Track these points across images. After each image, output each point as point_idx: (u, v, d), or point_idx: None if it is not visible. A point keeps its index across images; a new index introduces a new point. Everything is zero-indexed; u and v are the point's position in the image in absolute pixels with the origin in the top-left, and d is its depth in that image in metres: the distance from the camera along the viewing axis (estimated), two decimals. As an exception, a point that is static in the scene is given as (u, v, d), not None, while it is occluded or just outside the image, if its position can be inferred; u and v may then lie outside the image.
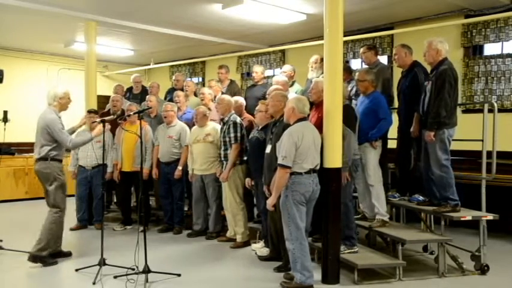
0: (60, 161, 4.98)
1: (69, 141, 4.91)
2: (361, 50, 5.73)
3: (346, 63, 6.66)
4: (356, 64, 8.23)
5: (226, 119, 5.67)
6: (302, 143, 4.03)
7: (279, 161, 4.06)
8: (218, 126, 5.93)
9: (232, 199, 5.61)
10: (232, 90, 6.83)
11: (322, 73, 4.94)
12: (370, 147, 4.87)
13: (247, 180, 5.31)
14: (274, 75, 9.03)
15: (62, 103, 5.00)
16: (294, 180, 4.05)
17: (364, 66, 6.00)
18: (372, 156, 4.89)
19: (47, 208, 4.97)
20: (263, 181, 4.86)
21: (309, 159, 4.08)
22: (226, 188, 5.63)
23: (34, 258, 4.76)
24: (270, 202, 4.22)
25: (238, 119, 5.64)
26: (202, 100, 6.54)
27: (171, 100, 6.94)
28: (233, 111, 5.72)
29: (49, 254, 4.86)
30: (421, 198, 5.06)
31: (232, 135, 5.52)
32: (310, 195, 4.11)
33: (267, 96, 5.62)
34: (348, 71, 5.79)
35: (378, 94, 4.94)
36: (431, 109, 4.62)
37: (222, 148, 5.64)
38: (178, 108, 6.60)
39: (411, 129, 5.00)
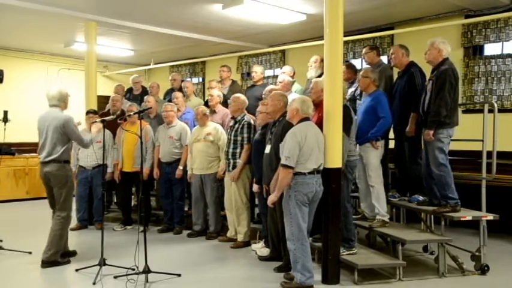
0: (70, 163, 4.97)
1: (86, 140, 4.92)
2: (364, 50, 5.70)
3: (351, 62, 6.63)
4: (356, 64, 8.21)
5: (239, 118, 5.64)
6: (305, 143, 4.03)
7: (282, 161, 4.06)
8: (219, 127, 5.93)
9: (239, 198, 5.59)
10: (233, 90, 6.83)
11: (322, 73, 4.94)
12: (371, 147, 4.85)
13: (255, 186, 5.28)
14: (274, 76, 9.09)
15: (67, 103, 4.94)
16: (297, 180, 4.05)
17: (365, 66, 5.98)
18: (373, 156, 4.87)
19: (47, 208, 4.96)
20: (263, 181, 4.86)
21: (313, 159, 4.07)
22: (233, 187, 5.60)
23: (48, 263, 4.76)
24: (271, 199, 4.22)
25: (252, 121, 5.63)
26: (210, 102, 6.52)
27: (170, 101, 6.93)
28: (245, 112, 5.72)
29: (60, 255, 4.87)
30: (421, 198, 5.05)
31: (245, 135, 5.52)
32: (313, 196, 4.11)
33: (263, 96, 5.62)
34: (352, 70, 5.77)
35: (380, 93, 4.93)
36: (431, 108, 4.61)
37: (231, 147, 5.58)
38: (178, 109, 6.60)
39: (406, 129, 4.97)
